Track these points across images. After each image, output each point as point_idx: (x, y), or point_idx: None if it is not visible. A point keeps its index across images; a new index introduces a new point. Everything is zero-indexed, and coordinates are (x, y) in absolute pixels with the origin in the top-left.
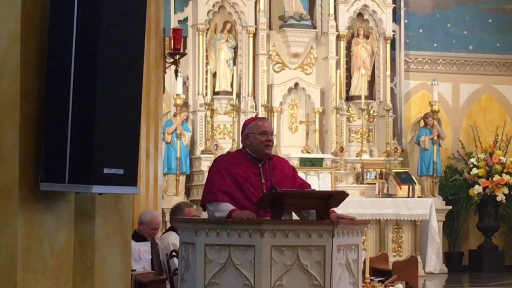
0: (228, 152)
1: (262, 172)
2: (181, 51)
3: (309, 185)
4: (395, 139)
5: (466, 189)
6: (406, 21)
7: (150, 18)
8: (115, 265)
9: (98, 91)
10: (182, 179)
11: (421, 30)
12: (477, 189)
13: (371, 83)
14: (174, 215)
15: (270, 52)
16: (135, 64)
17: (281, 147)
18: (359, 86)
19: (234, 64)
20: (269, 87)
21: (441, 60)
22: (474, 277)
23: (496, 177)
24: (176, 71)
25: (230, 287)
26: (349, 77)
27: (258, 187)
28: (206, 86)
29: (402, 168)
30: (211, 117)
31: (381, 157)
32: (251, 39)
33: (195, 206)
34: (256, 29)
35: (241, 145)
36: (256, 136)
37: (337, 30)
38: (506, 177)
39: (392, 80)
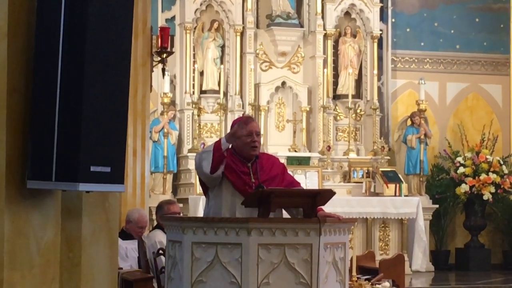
0: None
1: (251, 171)
2: (169, 49)
3: (298, 183)
4: (382, 138)
5: (453, 187)
6: (393, 20)
7: (138, 16)
8: (102, 263)
9: (85, 89)
10: (169, 177)
11: (408, 29)
12: (464, 188)
13: (358, 82)
14: (157, 213)
15: (257, 51)
16: (122, 63)
17: (268, 146)
18: (346, 85)
19: (222, 62)
20: (256, 86)
21: (428, 59)
22: (461, 276)
23: (483, 176)
24: (163, 70)
25: (217, 285)
26: (336, 76)
27: (248, 186)
28: (193, 84)
29: (389, 167)
30: (198, 115)
31: (368, 156)
32: (238, 38)
33: (181, 205)
34: (243, 27)
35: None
36: (241, 137)
37: (324, 29)
38: (492, 176)
39: (379, 79)
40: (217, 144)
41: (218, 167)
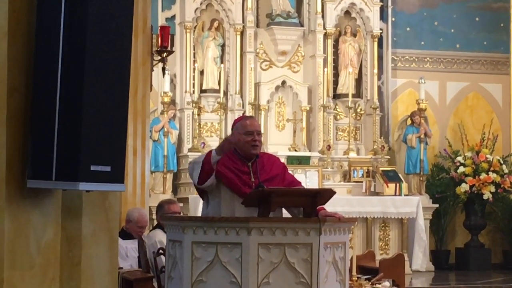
0: None
1: (251, 170)
2: (169, 48)
3: (299, 183)
4: (382, 137)
5: (453, 187)
6: (393, 19)
7: (138, 15)
8: (102, 262)
9: (85, 89)
10: (169, 177)
11: (408, 28)
12: (464, 187)
13: (358, 81)
14: (158, 212)
15: (257, 50)
16: (122, 62)
17: (268, 145)
18: (346, 84)
19: (222, 62)
20: (257, 85)
21: (428, 58)
22: (461, 275)
23: (483, 175)
24: (163, 69)
25: (217, 285)
26: (336, 75)
27: (248, 185)
28: (194, 84)
29: (389, 166)
30: (198, 115)
31: (368, 155)
32: (238, 37)
33: (181, 204)
34: (243, 27)
35: None
36: (242, 136)
37: (324, 28)
38: (492, 176)
39: (379, 78)
40: (208, 156)
41: (206, 179)
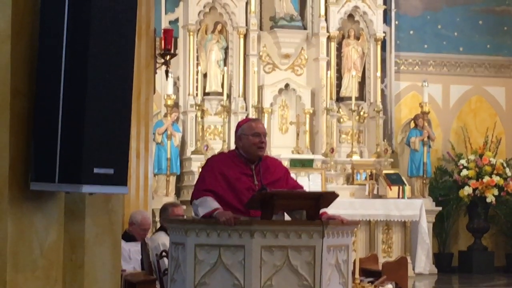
0: (222, 152)
1: (254, 173)
2: (172, 51)
3: (301, 187)
4: (385, 140)
5: (456, 190)
6: (396, 22)
7: (141, 18)
8: (105, 264)
9: (88, 91)
10: (173, 179)
11: (411, 32)
12: (467, 190)
13: (362, 84)
14: (161, 215)
15: (260, 53)
16: (126, 65)
17: (272, 148)
18: (350, 87)
19: (225, 64)
20: (260, 88)
21: (431, 62)
22: (464, 278)
23: (486, 179)
24: (166, 72)
25: (220, 287)
26: (339, 78)
27: (250, 188)
28: (197, 86)
29: (392, 169)
30: (202, 117)
31: (371, 158)
32: (241, 40)
33: (185, 207)
34: (247, 30)
35: (233, 146)
36: (249, 137)
37: (327, 31)
38: (496, 179)
39: (382, 81)
40: (209, 214)
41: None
